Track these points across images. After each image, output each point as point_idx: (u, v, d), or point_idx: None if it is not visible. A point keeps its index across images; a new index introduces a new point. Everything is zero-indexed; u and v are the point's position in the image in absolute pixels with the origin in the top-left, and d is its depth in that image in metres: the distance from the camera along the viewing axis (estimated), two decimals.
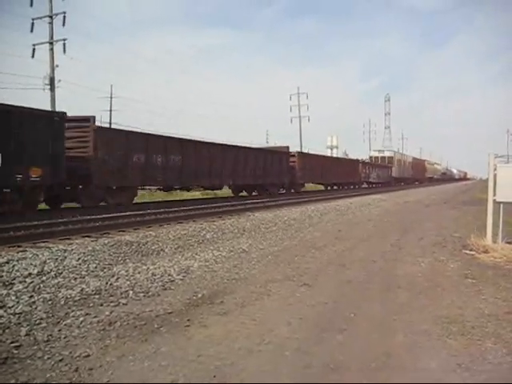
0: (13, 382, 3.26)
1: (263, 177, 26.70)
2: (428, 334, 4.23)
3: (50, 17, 31.77)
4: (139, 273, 6.53)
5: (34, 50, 31.68)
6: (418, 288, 5.90)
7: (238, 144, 27.43)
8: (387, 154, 63.04)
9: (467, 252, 8.35)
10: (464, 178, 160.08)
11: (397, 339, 4.11)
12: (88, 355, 3.66)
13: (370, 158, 60.40)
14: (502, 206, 8.62)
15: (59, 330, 4.19)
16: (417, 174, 75.92)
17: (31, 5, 31.59)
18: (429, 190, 46.51)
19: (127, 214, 13.75)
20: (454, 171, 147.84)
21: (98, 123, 16.95)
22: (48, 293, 5.42)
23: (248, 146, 30.27)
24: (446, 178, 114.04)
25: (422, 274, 6.73)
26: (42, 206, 15.46)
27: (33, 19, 31.60)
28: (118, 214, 13.41)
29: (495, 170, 8.71)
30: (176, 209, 15.86)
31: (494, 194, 8.63)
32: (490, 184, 8.81)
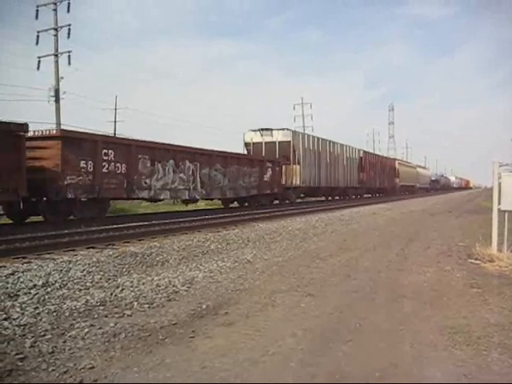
0: None
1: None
2: (434, 344, 4.21)
3: (55, 29, 32.01)
4: (144, 284, 6.53)
5: (39, 62, 31.94)
6: (423, 298, 5.87)
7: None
8: (279, 135, 29.80)
9: (472, 261, 8.31)
10: (466, 187, 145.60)
11: (403, 349, 4.09)
12: (92, 367, 3.65)
13: (246, 144, 30.54)
14: (506, 214, 8.60)
15: (64, 342, 4.19)
16: (373, 181, 46.73)
17: (36, 17, 31.89)
18: (432, 199, 46.41)
19: (132, 224, 13.77)
20: (452, 179, 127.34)
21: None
22: (53, 304, 5.42)
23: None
24: (439, 187, 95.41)
25: (428, 283, 6.70)
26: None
27: (38, 32, 31.89)
28: (123, 226, 13.41)
29: (500, 178, 8.69)
30: (181, 219, 15.87)
31: (499, 203, 8.61)
32: (495, 193, 8.79)
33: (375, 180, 48.22)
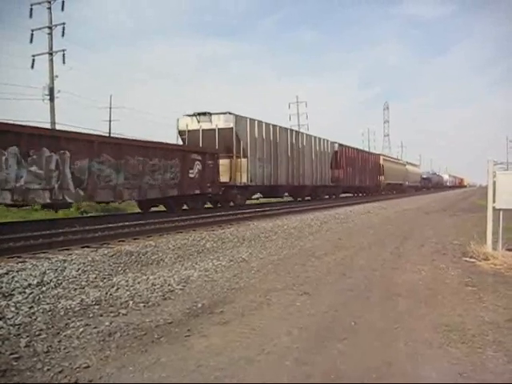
0: None
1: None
2: (429, 342, 4.22)
3: (50, 28, 31.90)
4: (139, 283, 6.52)
5: (33, 60, 31.79)
6: (418, 296, 5.88)
7: None
8: (219, 121, 23.89)
9: (467, 259, 8.34)
10: (460, 185, 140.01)
11: (398, 348, 4.09)
12: (88, 366, 3.65)
13: (180, 133, 24.86)
14: (501, 212, 8.63)
15: (59, 341, 4.18)
16: (351, 179, 41.19)
17: (30, 16, 31.76)
18: (427, 197, 46.58)
19: (126, 223, 13.74)
20: (445, 177, 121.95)
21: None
22: (48, 303, 5.41)
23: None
24: (431, 185, 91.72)
25: (423, 281, 6.71)
26: (42, 216, 15.42)
27: (32, 30, 31.76)
28: (117, 225, 13.38)
29: (494, 176, 8.71)
30: (176, 218, 15.85)
31: (494, 201, 8.63)
32: (490, 191, 8.81)
33: (354, 177, 42.02)
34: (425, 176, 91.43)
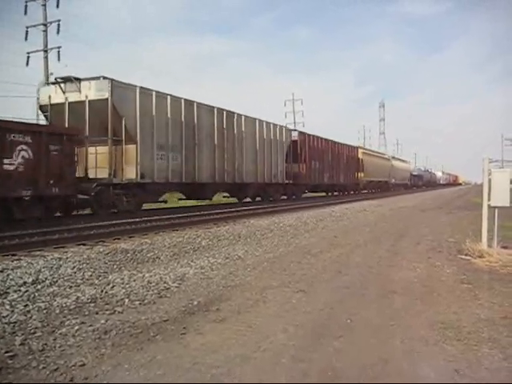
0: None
1: None
2: (425, 339, 4.22)
3: (45, 25, 31.83)
4: (135, 281, 6.51)
5: (28, 58, 31.71)
6: (413, 293, 5.89)
7: None
8: (90, 90, 16.37)
9: (463, 257, 8.36)
10: (454, 183, 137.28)
11: (394, 345, 4.10)
12: (83, 364, 3.63)
13: (41, 108, 17.88)
14: (496, 210, 8.64)
15: (54, 339, 4.16)
16: (318, 175, 34.53)
17: (25, 13, 31.69)
18: (423, 195, 46.72)
19: (122, 221, 13.71)
20: (438, 174, 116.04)
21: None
22: (43, 301, 5.39)
23: None
24: (422, 183, 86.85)
25: (418, 279, 6.72)
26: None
27: (27, 27, 31.68)
28: (113, 222, 13.35)
29: (490, 174, 8.73)
30: (171, 216, 15.82)
31: (489, 199, 8.65)
32: (485, 188, 8.83)
33: (322, 174, 34.63)
34: (415, 173, 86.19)
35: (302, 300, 5.58)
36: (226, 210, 19.14)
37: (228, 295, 5.80)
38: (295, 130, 33.10)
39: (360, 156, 45.55)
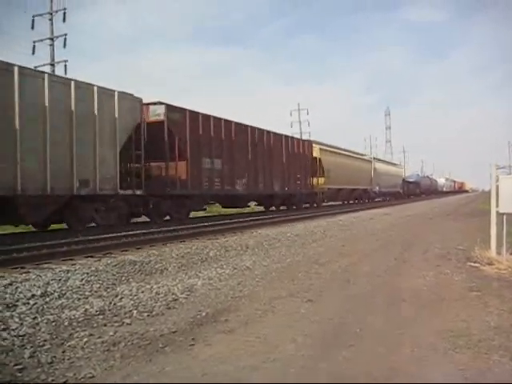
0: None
1: None
2: (434, 347, 4.20)
3: (51, 39, 32.19)
4: (143, 292, 6.51)
5: None
6: (422, 301, 5.87)
7: None
8: None
9: (471, 264, 8.31)
10: (460, 190, 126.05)
11: (403, 354, 4.08)
12: (92, 376, 3.63)
13: None
14: (504, 216, 8.60)
15: (63, 352, 4.16)
16: (229, 179, 21.78)
17: (32, 27, 32.04)
18: (432, 202, 46.54)
19: (129, 233, 13.72)
20: (441, 181, 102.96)
21: None
22: (51, 314, 5.40)
23: None
24: (420, 190, 75.17)
25: (427, 287, 6.69)
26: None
27: (34, 42, 32.03)
28: (120, 234, 13.37)
29: (497, 180, 8.70)
30: (179, 227, 15.83)
31: (497, 205, 8.61)
32: (493, 195, 8.80)
33: (233, 179, 22.18)
34: (412, 179, 74.49)
35: (311, 310, 5.56)
36: (233, 221, 19.15)
37: (236, 306, 5.79)
38: (161, 104, 17.95)
39: (317, 155, 32.82)
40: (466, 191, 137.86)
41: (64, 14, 32.11)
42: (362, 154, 52.09)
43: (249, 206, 27.29)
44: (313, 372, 3.70)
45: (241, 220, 19.67)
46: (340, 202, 40.98)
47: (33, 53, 32.01)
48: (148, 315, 5.40)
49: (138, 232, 13.91)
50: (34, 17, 32.06)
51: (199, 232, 14.85)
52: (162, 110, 18.03)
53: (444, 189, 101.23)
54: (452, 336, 4.49)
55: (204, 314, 5.41)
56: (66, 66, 32.07)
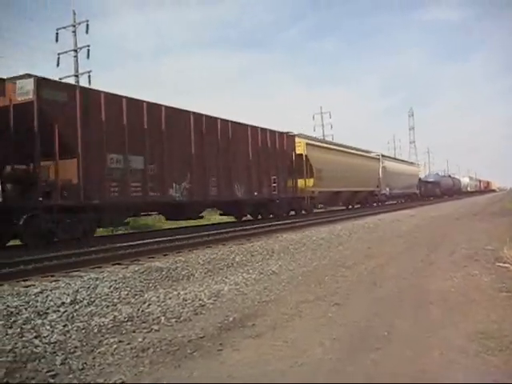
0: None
1: None
2: (464, 350, 4.14)
3: (75, 51, 32.74)
4: (170, 298, 6.56)
5: None
6: (451, 303, 5.80)
7: None
8: None
9: (501, 265, 8.18)
10: (486, 190, 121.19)
11: (432, 356, 4.03)
12: (122, 382, 3.68)
13: None
14: None
15: (93, 358, 4.22)
16: (149, 185, 15.70)
17: (57, 40, 32.63)
18: (457, 202, 45.88)
19: (156, 240, 13.82)
20: (464, 180, 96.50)
21: None
22: (81, 321, 5.48)
23: None
24: (441, 191, 68.94)
25: (455, 288, 6.61)
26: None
27: (58, 54, 32.61)
28: (147, 241, 13.48)
29: None
30: (205, 233, 15.90)
31: None
32: None
33: (161, 182, 16.52)
34: (431, 179, 68.98)
35: (338, 313, 5.55)
36: (257, 226, 19.13)
37: (263, 310, 5.80)
38: (30, 77, 12.58)
39: (303, 151, 27.01)
40: (493, 190, 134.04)
41: (87, 26, 32.67)
42: (367, 151, 43.55)
43: (201, 217, 20.77)
44: (341, 375, 3.69)
45: (266, 224, 19.62)
46: (343, 207, 37.24)
47: (57, 65, 32.64)
48: (176, 321, 5.44)
49: (164, 239, 14.02)
50: (57, 30, 32.67)
51: (225, 238, 14.90)
52: (30, 85, 12.54)
53: (468, 189, 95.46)
54: (482, 338, 4.42)
55: (231, 319, 5.43)
56: (89, 76, 32.56)
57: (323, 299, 6.25)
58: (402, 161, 57.52)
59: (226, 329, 5.08)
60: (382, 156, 44.64)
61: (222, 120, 20.01)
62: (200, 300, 6.40)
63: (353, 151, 38.81)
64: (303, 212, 26.76)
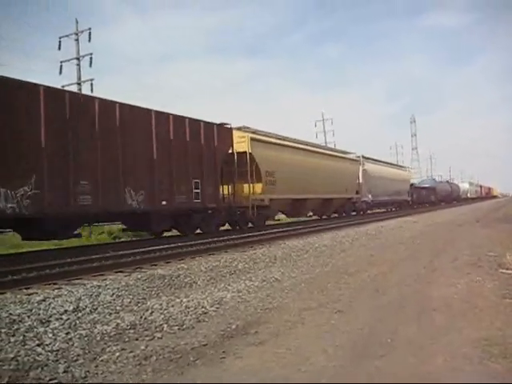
0: None
1: None
2: (468, 357, 4.13)
3: (78, 59, 32.86)
4: (173, 306, 6.55)
5: None
6: (454, 310, 5.78)
7: None
8: None
9: (504, 271, 8.17)
10: (487, 196, 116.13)
11: (436, 363, 4.02)
12: None
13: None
14: None
15: (96, 366, 4.21)
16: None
17: (59, 48, 32.72)
18: (460, 209, 45.78)
19: (158, 247, 13.81)
20: (463, 186, 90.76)
21: None
22: (84, 329, 5.47)
23: None
24: (435, 198, 62.02)
25: (458, 295, 6.59)
26: (75, 243, 15.67)
27: (61, 62, 32.70)
28: (150, 249, 13.47)
29: None
30: (207, 240, 15.87)
31: None
32: None
33: (16, 185, 11.35)
34: (426, 185, 63.74)
35: (341, 320, 5.53)
36: (262, 233, 19.07)
37: (266, 318, 5.79)
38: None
39: (246, 148, 21.01)
40: (495, 197, 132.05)
41: (89, 34, 32.75)
42: (344, 152, 35.86)
43: (68, 238, 14.63)
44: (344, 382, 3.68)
45: (269, 232, 19.56)
46: (315, 216, 32.83)
47: (60, 73, 32.66)
48: (178, 329, 5.43)
49: (166, 246, 14.00)
50: (60, 38, 32.76)
51: (227, 245, 14.87)
52: None
53: (468, 195, 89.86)
54: (487, 345, 4.41)
55: (234, 326, 5.42)
56: (92, 84, 32.55)
57: (326, 306, 6.23)
58: (390, 164, 50.44)
59: (228, 336, 5.07)
60: (364, 158, 37.62)
61: (104, 100, 14.44)
62: (203, 307, 6.39)
63: (322, 150, 31.92)
64: (249, 225, 21.64)
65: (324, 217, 32.35)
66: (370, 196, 36.29)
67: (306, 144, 29.70)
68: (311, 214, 32.16)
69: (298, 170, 24.80)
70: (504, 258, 8.74)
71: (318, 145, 36.69)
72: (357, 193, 34.22)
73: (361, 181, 35.10)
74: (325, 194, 28.73)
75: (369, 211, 38.62)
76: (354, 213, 34.95)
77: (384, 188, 40.13)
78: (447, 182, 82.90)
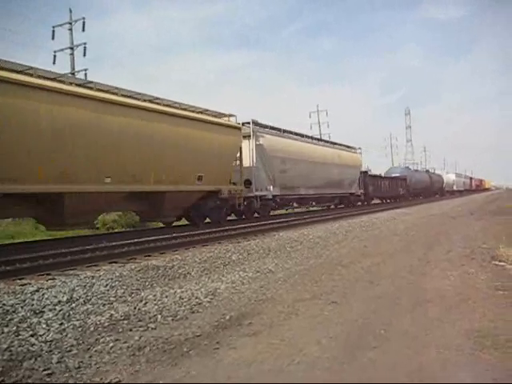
0: None
1: None
2: (461, 348, 4.15)
3: (71, 48, 32.64)
4: (167, 297, 6.55)
5: None
6: (448, 302, 5.80)
7: None
8: None
9: (497, 263, 8.20)
10: (478, 189, 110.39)
11: (429, 355, 4.03)
12: (119, 381, 3.67)
13: None
14: None
15: (90, 357, 4.21)
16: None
17: (53, 38, 32.49)
18: (454, 201, 45.93)
19: (152, 238, 13.80)
20: (449, 177, 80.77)
21: None
22: (78, 320, 5.46)
23: None
24: (405, 192, 49.12)
25: (452, 287, 6.62)
26: (69, 234, 15.64)
27: (55, 51, 32.47)
28: (144, 239, 13.46)
29: None
30: (201, 231, 15.87)
31: None
32: None
33: None
34: (396, 174, 51.95)
35: (335, 311, 5.54)
36: (255, 224, 19.08)
37: (260, 309, 5.79)
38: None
39: None
40: (487, 189, 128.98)
41: (83, 23, 32.49)
42: (207, 111, 18.62)
43: None
44: (338, 374, 3.69)
45: (264, 223, 19.56)
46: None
47: (53, 62, 32.41)
48: (172, 319, 5.43)
49: (160, 237, 13.99)
50: (53, 27, 32.52)
51: (221, 236, 14.87)
52: None
53: (454, 187, 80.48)
54: (479, 336, 4.44)
55: (228, 317, 5.43)
56: (85, 74, 32.31)
57: (320, 298, 6.25)
58: (321, 140, 34.39)
59: (222, 327, 5.07)
60: (256, 125, 22.49)
61: None
62: (197, 298, 6.39)
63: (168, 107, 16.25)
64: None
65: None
66: (271, 188, 22.88)
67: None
68: None
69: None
70: (497, 251, 8.78)
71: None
72: (233, 184, 19.94)
73: (251, 163, 21.60)
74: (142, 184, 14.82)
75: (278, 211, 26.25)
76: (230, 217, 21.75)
77: (307, 177, 26.62)
78: (427, 171, 71.06)
